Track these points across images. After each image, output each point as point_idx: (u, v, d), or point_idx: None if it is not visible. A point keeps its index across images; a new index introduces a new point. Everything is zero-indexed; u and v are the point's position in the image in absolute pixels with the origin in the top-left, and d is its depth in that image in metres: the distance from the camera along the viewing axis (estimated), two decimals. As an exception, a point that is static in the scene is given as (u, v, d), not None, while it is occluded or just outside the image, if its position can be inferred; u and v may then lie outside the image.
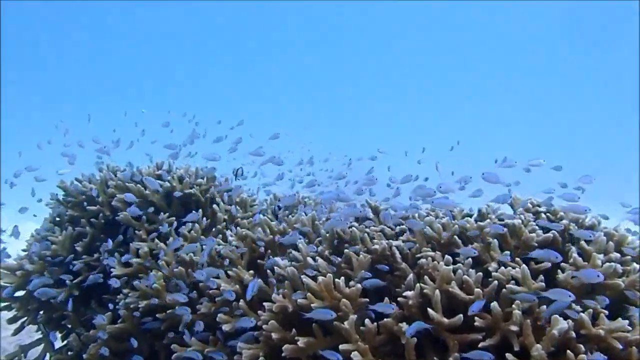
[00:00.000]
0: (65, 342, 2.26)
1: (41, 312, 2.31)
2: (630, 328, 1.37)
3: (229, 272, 1.88)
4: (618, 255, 1.61)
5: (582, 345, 1.34)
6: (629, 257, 1.62)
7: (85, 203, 2.43)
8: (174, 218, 2.30)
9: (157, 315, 1.86)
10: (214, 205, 2.38)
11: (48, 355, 2.31)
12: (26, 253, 2.40)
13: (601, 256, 1.58)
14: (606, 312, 1.43)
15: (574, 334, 1.36)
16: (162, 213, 2.31)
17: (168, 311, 1.87)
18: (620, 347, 1.32)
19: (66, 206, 2.48)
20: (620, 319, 1.38)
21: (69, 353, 2.13)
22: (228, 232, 2.18)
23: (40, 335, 2.35)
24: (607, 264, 1.52)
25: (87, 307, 2.21)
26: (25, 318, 2.33)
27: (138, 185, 2.36)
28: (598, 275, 1.42)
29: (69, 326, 2.24)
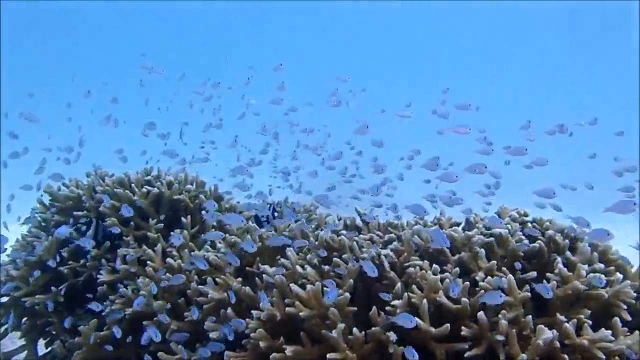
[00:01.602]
0: (49, 349, 2.24)
1: (25, 319, 2.28)
2: (613, 338, 1.39)
3: (217, 279, 1.87)
4: (602, 265, 1.64)
5: (566, 356, 1.36)
6: (613, 267, 1.65)
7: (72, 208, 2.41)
8: (162, 224, 2.29)
9: (143, 323, 1.85)
10: (203, 212, 2.37)
11: (31, 362, 2.28)
12: (11, 259, 2.37)
13: (586, 266, 1.60)
14: (590, 322, 1.45)
15: (558, 344, 1.38)
16: (150, 219, 2.30)
17: (155, 318, 1.86)
18: (603, 357, 1.34)
19: (52, 211, 2.45)
20: (603, 329, 1.41)
21: (53, 360, 2.11)
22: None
23: (24, 342, 2.32)
24: (591, 274, 1.54)
25: (72, 314, 2.18)
26: (8, 324, 2.30)
27: (126, 191, 2.34)
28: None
29: (54, 333, 2.21)
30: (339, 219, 2.25)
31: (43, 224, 2.48)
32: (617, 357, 1.36)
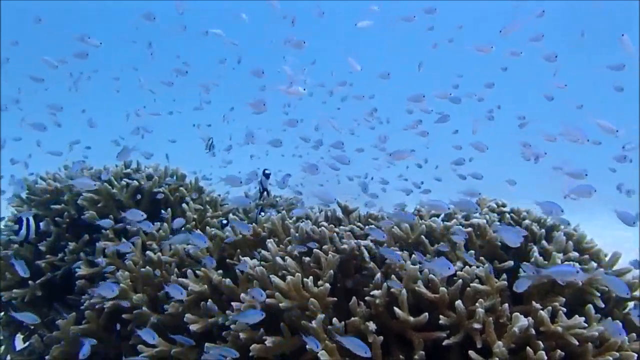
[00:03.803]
0: (27, 343, 2.21)
1: (1, 314, 2.24)
2: (586, 325, 1.42)
3: (197, 272, 1.86)
4: (577, 254, 1.67)
5: (540, 342, 1.39)
6: (587, 256, 1.68)
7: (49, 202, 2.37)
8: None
9: (123, 316, 1.84)
10: (183, 205, 2.35)
11: (9, 357, 2.25)
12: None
13: (561, 255, 1.63)
14: (564, 309, 1.48)
15: (533, 331, 1.41)
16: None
17: (135, 311, 1.84)
18: (577, 343, 1.38)
19: (29, 205, 2.41)
20: (577, 316, 1.44)
21: (31, 355, 2.08)
22: (197, 232, 2.16)
23: (1, 337, 2.28)
24: (566, 262, 1.57)
25: (50, 308, 2.16)
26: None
27: (105, 183, 2.31)
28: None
29: (31, 327, 2.18)
30: (320, 211, 2.25)
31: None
32: (589, 343, 1.39)
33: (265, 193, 2.40)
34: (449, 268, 1.50)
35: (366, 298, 1.58)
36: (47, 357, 1.89)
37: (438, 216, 2.07)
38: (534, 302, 1.49)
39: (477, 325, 1.43)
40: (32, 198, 2.42)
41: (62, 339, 1.90)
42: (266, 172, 2.41)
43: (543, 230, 1.78)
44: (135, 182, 2.34)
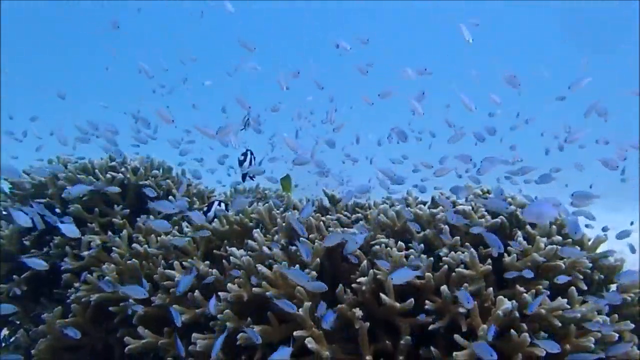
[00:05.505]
0: (12, 338, 2.19)
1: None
2: (569, 307, 1.44)
3: (184, 263, 1.86)
4: (560, 238, 1.69)
5: (524, 325, 1.40)
6: (570, 240, 1.70)
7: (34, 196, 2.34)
8: (127, 210, 2.25)
9: (109, 309, 1.83)
10: (170, 197, 2.34)
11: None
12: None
13: (544, 239, 1.65)
14: (548, 292, 1.50)
15: (517, 314, 1.43)
16: (115, 205, 2.25)
17: (121, 304, 1.83)
18: (559, 324, 1.40)
19: (13, 199, 2.38)
20: (560, 298, 1.46)
21: (17, 350, 2.06)
22: (184, 224, 2.15)
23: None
24: (550, 246, 1.59)
25: (37, 302, 2.14)
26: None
27: (90, 177, 2.29)
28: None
29: (17, 322, 2.16)
30: (307, 200, 2.25)
31: (4, 212, 2.41)
32: (572, 325, 1.41)
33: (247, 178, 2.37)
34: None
35: (352, 285, 1.58)
36: (33, 352, 1.87)
37: (425, 204, 2.08)
38: (518, 286, 1.51)
39: (462, 310, 1.44)
40: (16, 192, 2.39)
41: (49, 333, 1.89)
42: (240, 158, 2.37)
43: (527, 216, 1.80)
44: (121, 175, 2.32)
